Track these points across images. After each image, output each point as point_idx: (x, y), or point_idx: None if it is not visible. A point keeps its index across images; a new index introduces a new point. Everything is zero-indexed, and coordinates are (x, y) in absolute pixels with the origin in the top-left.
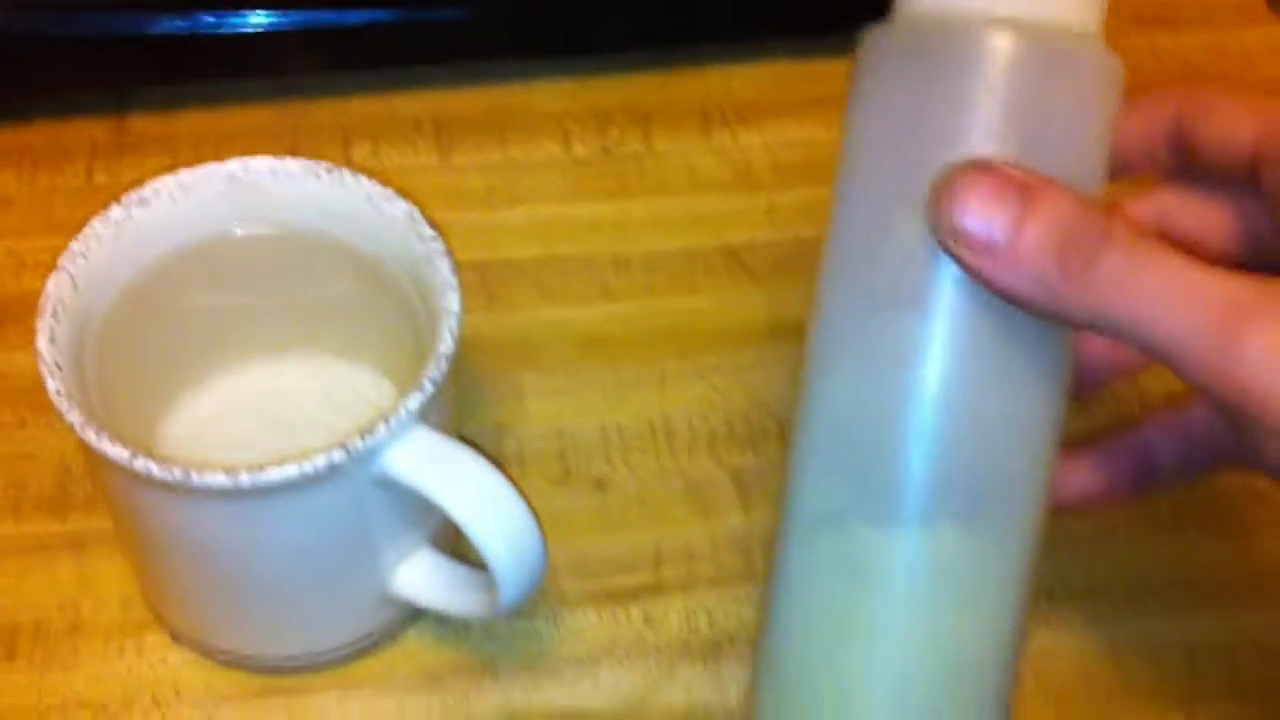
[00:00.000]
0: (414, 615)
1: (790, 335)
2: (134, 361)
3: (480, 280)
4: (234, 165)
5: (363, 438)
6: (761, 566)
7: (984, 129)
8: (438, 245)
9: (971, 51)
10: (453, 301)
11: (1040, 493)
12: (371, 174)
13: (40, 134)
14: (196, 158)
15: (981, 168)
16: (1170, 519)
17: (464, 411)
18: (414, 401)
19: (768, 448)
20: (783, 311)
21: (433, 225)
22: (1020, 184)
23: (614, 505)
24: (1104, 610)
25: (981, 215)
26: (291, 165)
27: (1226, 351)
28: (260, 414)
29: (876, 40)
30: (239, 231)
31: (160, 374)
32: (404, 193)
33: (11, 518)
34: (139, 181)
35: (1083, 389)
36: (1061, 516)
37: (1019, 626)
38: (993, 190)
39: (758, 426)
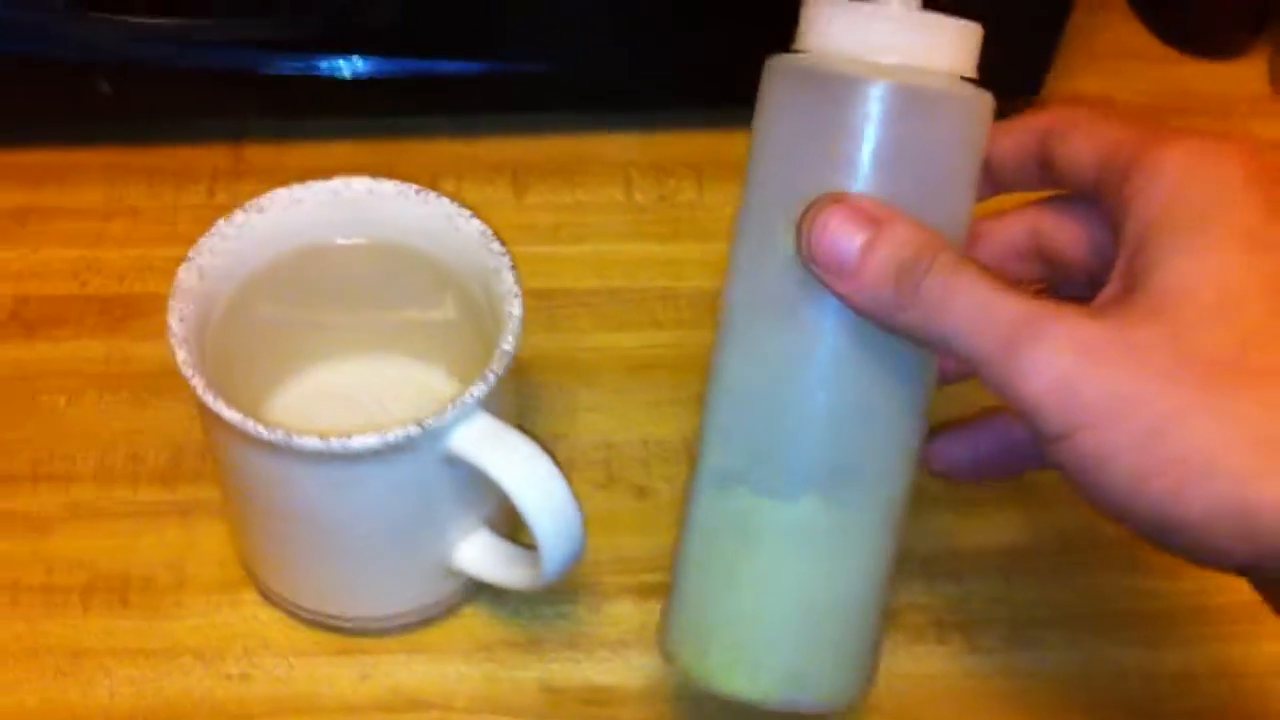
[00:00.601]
0: (471, 593)
1: None
2: (244, 348)
3: (544, 306)
4: (337, 183)
5: (434, 416)
6: None
7: (851, 163)
8: (505, 259)
9: (845, 93)
10: (515, 307)
11: (899, 473)
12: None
13: (168, 156)
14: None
15: (837, 199)
16: (1142, 555)
17: (524, 421)
18: (478, 390)
19: None
20: None
21: (502, 241)
22: (868, 215)
23: (651, 510)
24: (1077, 636)
25: (833, 242)
26: (385, 185)
27: (1009, 365)
28: (346, 404)
29: (777, 66)
30: (339, 240)
31: (264, 362)
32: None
33: (129, 485)
34: None
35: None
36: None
37: (881, 582)
38: (844, 220)
39: None
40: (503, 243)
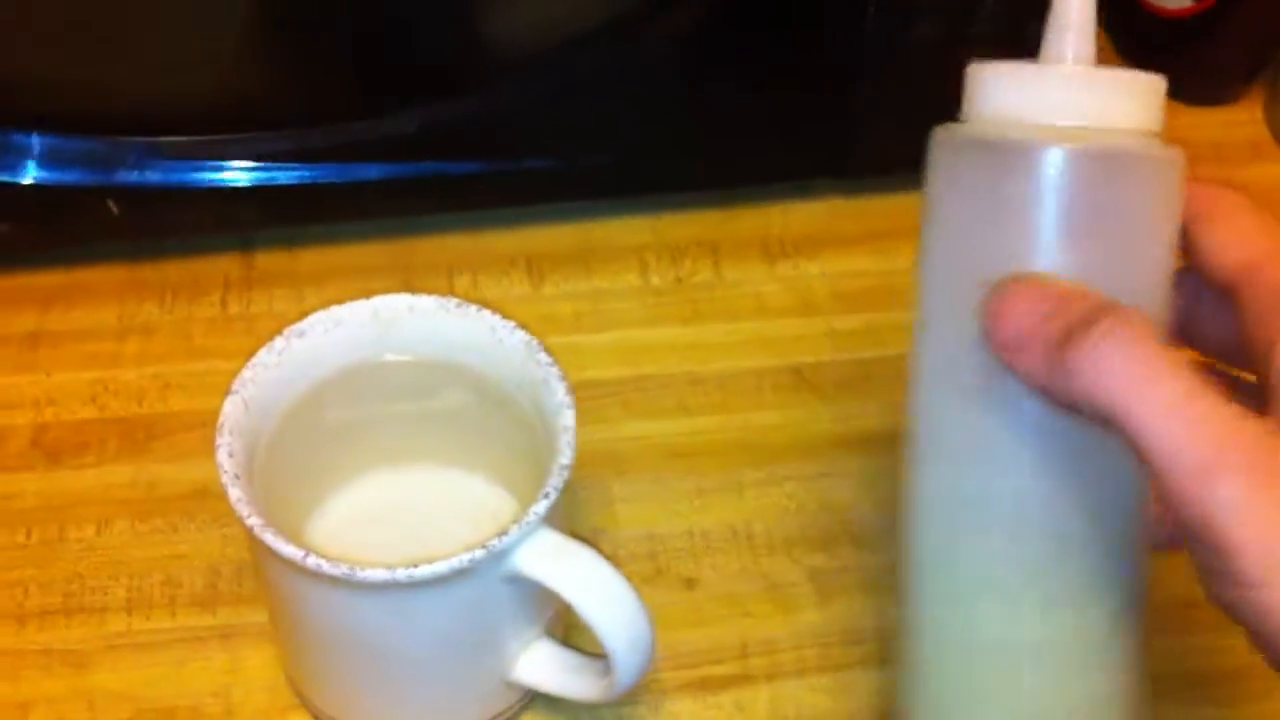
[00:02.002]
0: (529, 699)
1: (854, 447)
2: (287, 471)
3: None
4: (377, 302)
5: (499, 538)
6: (840, 659)
7: (1036, 238)
8: (554, 369)
9: (1023, 162)
10: (568, 419)
11: (1126, 580)
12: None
13: (178, 269)
14: (318, 291)
15: (1020, 280)
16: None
17: (564, 518)
18: (541, 507)
19: (839, 550)
20: (847, 426)
21: (548, 351)
22: (1058, 295)
23: (702, 601)
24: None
25: (1016, 326)
26: (425, 301)
27: (1204, 491)
28: (392, 519)
29: (944, 139)
30: (380, 358)
31: (307, 482)
32: None
33: (168, 612)
34: (269, 312)
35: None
36: None
37: (1127, 694)
38: (1028, 301)
39: (829, 530)
40: (549, 352)
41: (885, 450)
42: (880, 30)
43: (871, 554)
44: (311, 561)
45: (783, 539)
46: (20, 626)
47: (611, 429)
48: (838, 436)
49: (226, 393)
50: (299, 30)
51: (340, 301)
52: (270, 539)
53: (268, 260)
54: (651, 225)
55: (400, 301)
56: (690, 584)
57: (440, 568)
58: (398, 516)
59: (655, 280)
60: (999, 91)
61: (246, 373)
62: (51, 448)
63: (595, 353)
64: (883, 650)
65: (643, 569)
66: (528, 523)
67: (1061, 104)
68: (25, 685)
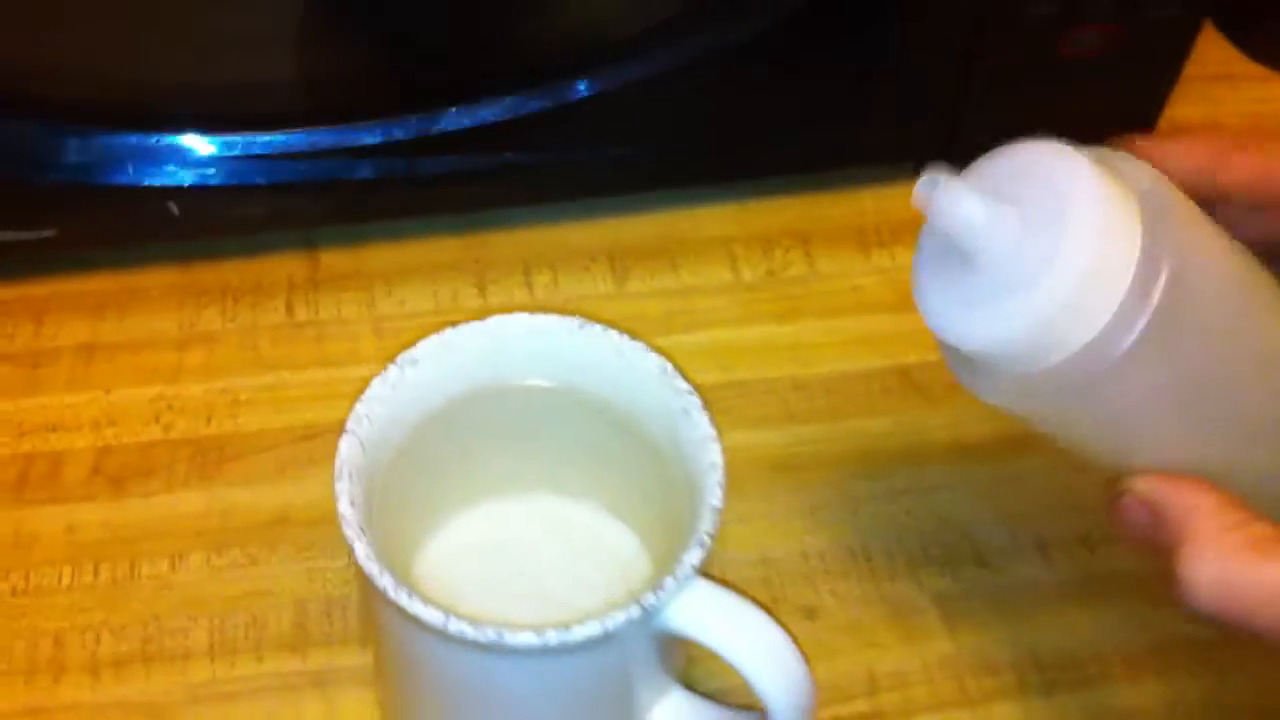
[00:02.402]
0: None
1: (971, 456)
2: (396, 506)
3: None
4: (493, 324)
5: (654, 594)
6: (976, 691)
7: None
8: (693, 399)
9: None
10: (715, 454)
11: None
12: (552, 304)
13: (237, 271)
14: (388, 292)
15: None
16: None
17: None
18: (695, 557)
19: (964, 571)
20: (959, 432)
21: (685, 378)
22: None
23: (824, 632)
24: None
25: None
26: (545, 322)
27: None
28: (503, 551)
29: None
30: (497, 384)
31: (415, 514)
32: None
33: (253, 657)
34: (337, 317)
35: None
36: None
37: None
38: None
39: (951, 549)
40: (686, 379)
41: (1001, 458)
42: (993, 8)
43: (996, 574)
44: (454, 626)
45: (904, 560)
46: (95, 679)
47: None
48: (951, 444)
49: (341, 431)
50: (366, 19)
51: (412, 304)
52: (405, 600)
53: (333, 259)
54: (739, 214)
55: (518, 322)
56: (810, 613)
57: (592, 630)
58: (509, 548)
59: (746, 274)
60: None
61: (360, 408)
62: (115, 474)
63: (690, 356)
64: (1021, 680)
65: (758, 597)
66: (682, 575)
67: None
68: None
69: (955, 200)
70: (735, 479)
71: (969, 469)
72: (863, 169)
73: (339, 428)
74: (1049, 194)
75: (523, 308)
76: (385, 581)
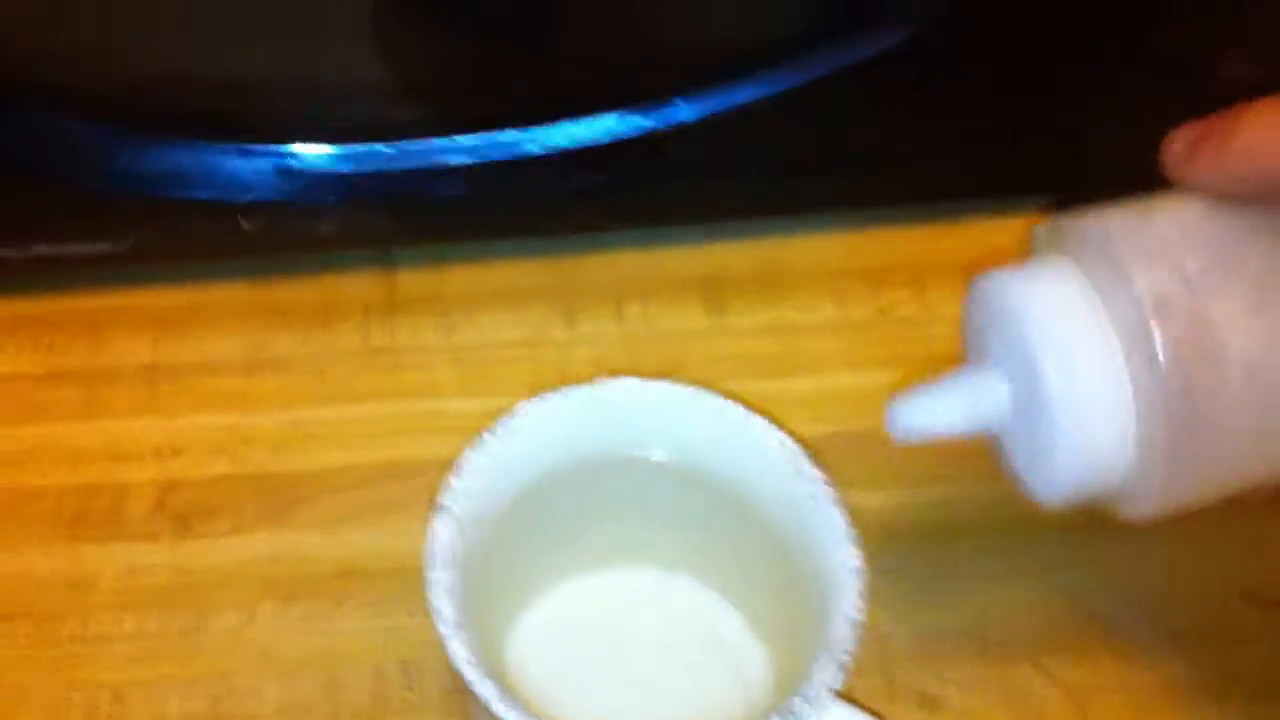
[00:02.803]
0: None
1: (1104, 531)
2: (488, 582)
3: None
4: (601, 389)
5: (782, 718)
6: None
7: None
8: (825, 489)
9: None
10: (852, 557)
11: None
12: (647, 338)
13: (309, 291)
14: (468, 318)
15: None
16: None
17: None
18: (831, 678)
19: (1100, 664)
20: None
21: (814, 462)
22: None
23: None
24: None
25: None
26: (659, 390)
27: None
28: (606, 631)
29: None
30: (601, 455)
31: (508, 590)
32: (688, 360)
33: None
34: (415, 345)
35: None
36: None
37: None
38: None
39: (1086, 638)
40: (816, 464)
41: (1139, 535)
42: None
43: (1137, 671)
44: None
45: (1031, 646)
46: None
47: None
48: (1088, 514)
49: (433, 507)
50: (456, 26)
51: (495, 333)
52: (511, 717)
53: (411, 281)
54: (847, 245)
55: (627, 387)
56: (932, 704)
57: None
58: (611, 626)
59: (855, 312)
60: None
61: (456, 482)
62: (181, 511)
63: (793, 404)
64: None
65: (873, 683)
66: (815, 698)
67: None
68: None
69: (918, 417)
70: None
71: (1105, 546)
72: (984, 201)
73: (413, 468)
74: (1013, 344)
75: (612, 340)
76: (486, 690)
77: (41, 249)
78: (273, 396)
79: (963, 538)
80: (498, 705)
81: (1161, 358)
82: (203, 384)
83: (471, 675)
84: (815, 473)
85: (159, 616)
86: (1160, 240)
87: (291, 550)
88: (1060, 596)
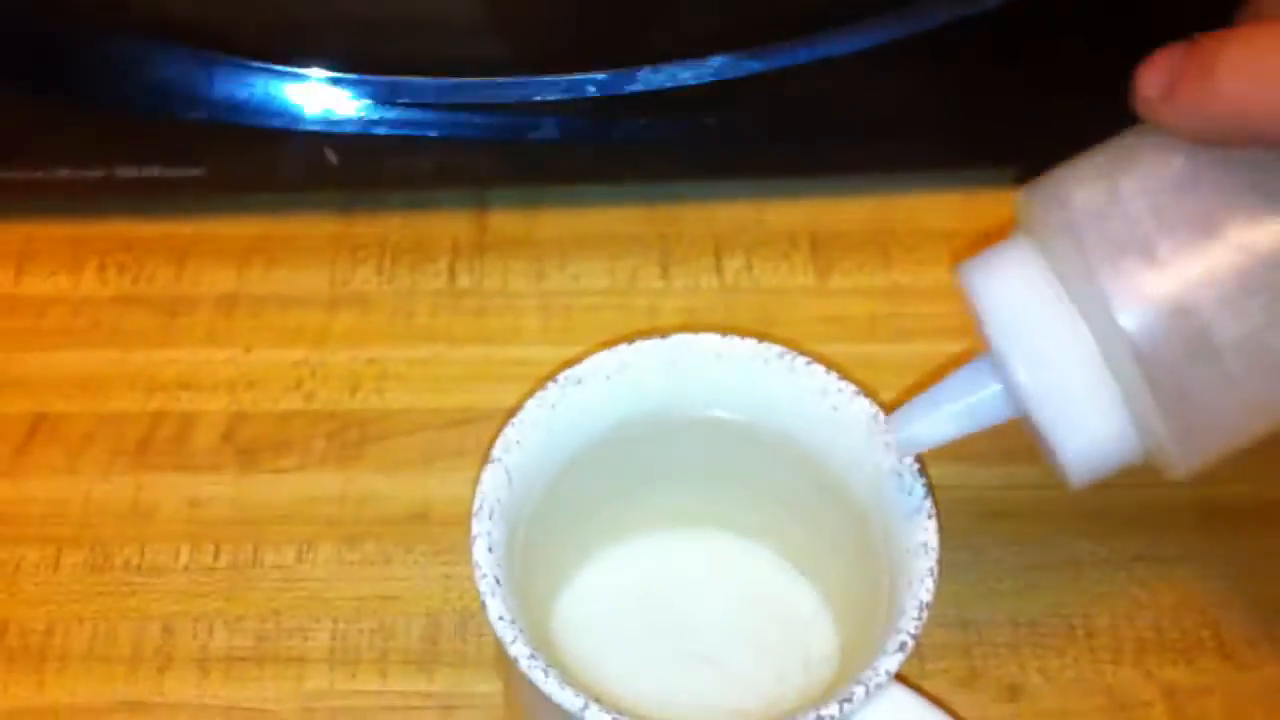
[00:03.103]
0: None
1: (1225, 523)
2: (543, 543)
3: None
4: (675, 344)
5: (840, 706)
6: None
7: None
8: (910, 460)
9: None
10: (930, 534)
11: None
12: (746, 293)
13: (399, 227)
14: (560, 264)
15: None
16: None
17: None
18: (892, 663)
19: (1204, 662)
20: (1214, 492)
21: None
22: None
23: (1028, 718)
24: None
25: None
26: (739, 348)
27: None
28: (664, 599)
29: None
30: (670, 414)
31: (562, 549)
32: (781, 319)
33: (377, 671)
34: (503, 289)
35: None
36: None
37: None
38: (1167, 55)
39: (1191, 634)
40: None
41: (1261, 529)
42: None
43: (1242, 670)
44: (593, 716)
45: (1132, 641)
46: (203, 675)
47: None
48: (1200, 506)
49: (484, 460)
50: None
51: (586, 280)
52: (542, 679)
53: (503, 222)
54: (963, 206)
55: (706, 345)
56: (1014, 694)
57: None
58: (669, 593)
59: None
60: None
61: (511, 432)
62: (247, 445)
63: (894, 369)
64: None
65: (955, 668)
66: (875, 684)
67: None
68: None
69: (917, 430)
70: None
71: (1220, 539)
72: None
73: (490, 415)
74: (987, 339)
75: (710, 294)
76: (518, 650)
77: (128, 172)
78: (351, 333)
79: (1069, 521)
80: (528, 666)
81: (1136, 355)
82: (282, 317)
83: (506, 634)
84: None
85: (214, 550)
86: (1127, 222)
87: (357, 491)
88: (1173, 592)
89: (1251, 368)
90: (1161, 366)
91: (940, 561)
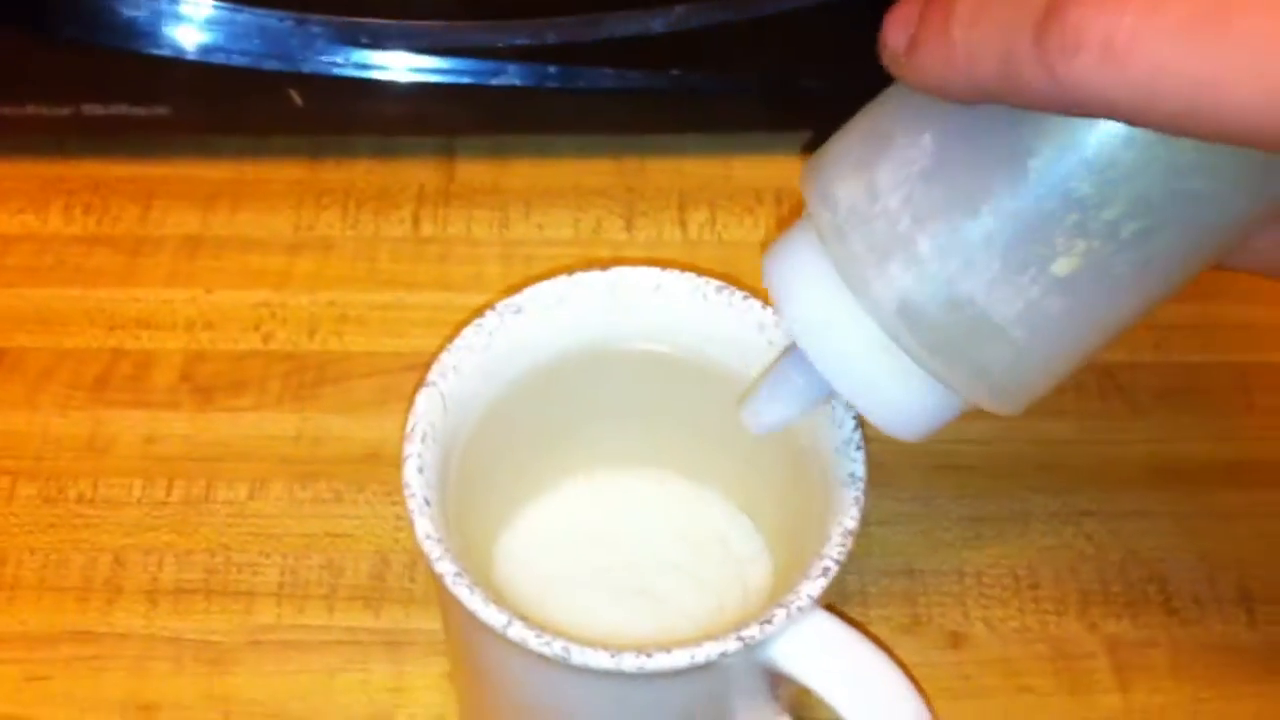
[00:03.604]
0: None
1: (1177, 480)
2: (479, 478)
3: None
4: (615, 276)
5: (760, 628)
6: None
7: None
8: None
9: None
10: (857, 465)
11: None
12: (709, 246)
13: (366, 174)
14: (525, 214)
15: None
16: None
17: None
18: (814, 588)
19: (1149, 617)
20: (1166, 450)
21: None
22: None
23: (970, 665)
24: None
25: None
26: (677, 281)
27: None
28: (599, 535)
29: None
30: (610, 346)
31: (503, 488)
32: (742, 271)
33: (325, 607)
34: (466, 236)
35: None
36: None
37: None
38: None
39: (1137, 588)
40: None
41: (1211, 487)
42: None
43: (1187, 626)
44: (515, 633)
45: (1076, 594)
46: (151, 606)
47: (869, 426)
48: (1150, 462)
49: (419, 383)
50: None
51: (550, 230)
52: (466, 595)
53: (470, 171)
54: None
55: (645, 278)
56: (956, 641)
57: (678, 659)
58: (606, 531)
59: None
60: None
61: (447, 358)
62: (205, 383)
63: None
64: None
65: (898, 615)
66: (796, 607)
67: None
68: (152, 681)
69: (764, 413)
70: (887, 473)
71: (1170, 496)
72: None
73: None
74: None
75: (673, 247)
76: (444, 567)
77: (95, 109)
78: (313, 277)
79: (1020, 475)
80: (454, 585)
81: (924, 352)
82: (245, 259)
83: (432, 550)
84: None
85: (167, 484)
86: (888, 220)
87: (312, 430)
88: (1121, 546)
89: (1037, 331)
90: (951, 356)
91: (866, 491)
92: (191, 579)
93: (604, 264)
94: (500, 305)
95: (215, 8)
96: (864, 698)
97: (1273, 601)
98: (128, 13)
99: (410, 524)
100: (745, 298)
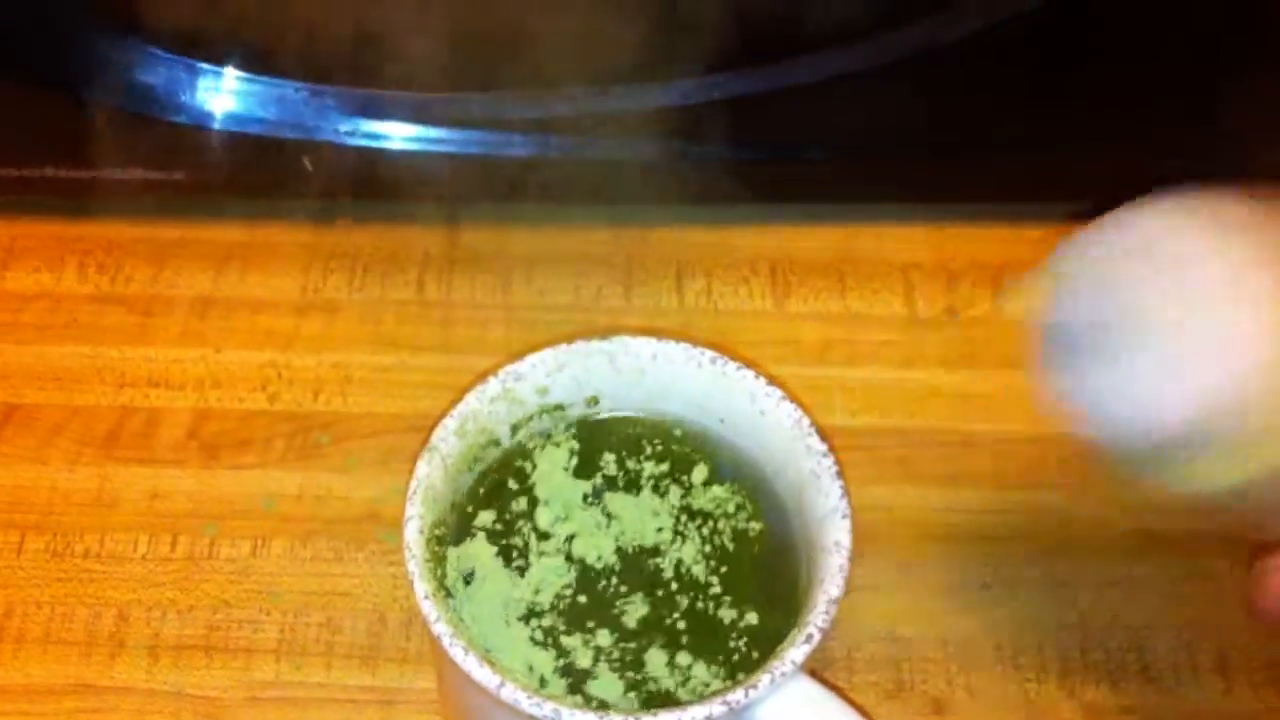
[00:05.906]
0: None
1: (1156, 551)
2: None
3: None
4: (615, 345)
5: (745, 693)
6: None
7: None
8: (828, 463)
9: None
10: (842, 533)
11: None
12: (704, 314)
13: (371, 238)
14: (527, 280)
15: None
16: None
17: None
18: (800, 654)
19: (1128, 686)
20: (1148, 522)
21: (822, 437)
22: None
23: None
24: None
25: None
26: (673, 350)
27: None
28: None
29: None
30: (606, 414)
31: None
32: (735, 340)
33: (323, 664)
34: (470, 300)
35: None
36: None
37: None
38: None
39: (1116, 656)
40: (824, 439)
41: (1191, 558)
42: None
43: (1164, 693)
44: (508, 694)
45: (1057, 661)
46: (153, 661)
47: (858, 493)
48: (1132, 534)
49: (421, 444)
50: None
51: (552, 296)
52: (461, 656)
53: (474, 237)
54: (925, 238)
55: (643, 348)
56: (939, 707)
57: None
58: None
59: (922, 307)
60: None
61: (450, 422)
62: (211, 441)
63: (844, 392)
64: None
65: (883, 680)
66: (780, 672)
67: None
68: None
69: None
70: (875, 539)
71: (1150, 567)
72: (1073, 204)
73: None
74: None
75: (669, 314)
76: (441, 629)
77: (111, 173)
78: (319, 338)
79: (1005, 544)
80: (449, 643)
81: None
82: (253, 321)
83: (430, 612)
84: (821, 447)
85: (172, 540)
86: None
87: (315, 489)
88: (1103, 614)
89: None
90: None
91: (851, 559)
92: (193, 634)
93: (603, 331)
94: (502, 372)
95: (234, 78)
96: None
97: (1250, 670)
98: (148, 80)
99: (410, 584)
100: (738, 368)
